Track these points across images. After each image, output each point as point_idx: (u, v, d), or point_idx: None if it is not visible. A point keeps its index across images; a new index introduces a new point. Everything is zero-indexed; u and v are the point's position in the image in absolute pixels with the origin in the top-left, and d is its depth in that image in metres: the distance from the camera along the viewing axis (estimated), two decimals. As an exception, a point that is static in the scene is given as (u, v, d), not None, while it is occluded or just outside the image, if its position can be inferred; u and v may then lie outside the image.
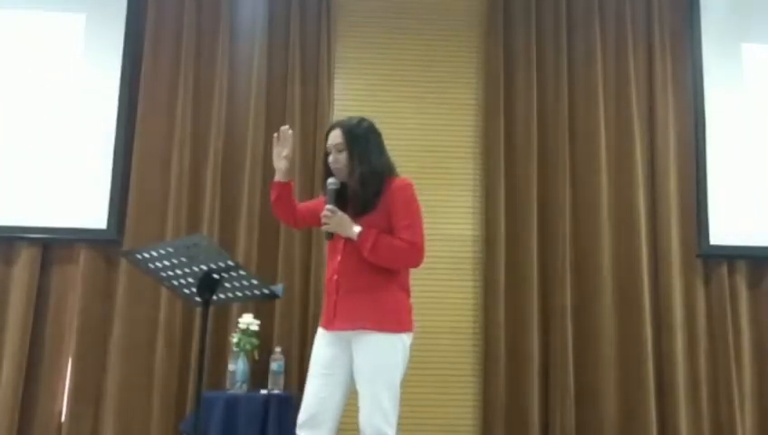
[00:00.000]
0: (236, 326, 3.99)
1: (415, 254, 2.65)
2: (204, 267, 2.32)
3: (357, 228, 2.62)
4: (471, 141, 4.59)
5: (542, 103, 4.57)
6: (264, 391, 3.89)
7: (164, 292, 4.21)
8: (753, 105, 4.67)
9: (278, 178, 2.83)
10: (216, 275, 2.33)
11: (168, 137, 4.43)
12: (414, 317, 2.73)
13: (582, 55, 4.65)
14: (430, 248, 4.34)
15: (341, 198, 2.70)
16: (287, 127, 2.85)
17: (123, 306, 4.23)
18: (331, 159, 2.74)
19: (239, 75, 4.53)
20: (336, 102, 4.54)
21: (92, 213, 4.32)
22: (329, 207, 2.66)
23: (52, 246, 4.33)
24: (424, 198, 4.39)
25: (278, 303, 4.18)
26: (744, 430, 4.31)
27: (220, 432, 3.67)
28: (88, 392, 4.18)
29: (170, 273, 2.39)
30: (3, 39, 4.47)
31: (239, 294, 2.45)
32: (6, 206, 4.30)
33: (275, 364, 3.96)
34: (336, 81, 4.58)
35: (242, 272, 2.33)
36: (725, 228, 4.51)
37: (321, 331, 2.73)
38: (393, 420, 2.57)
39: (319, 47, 4.53)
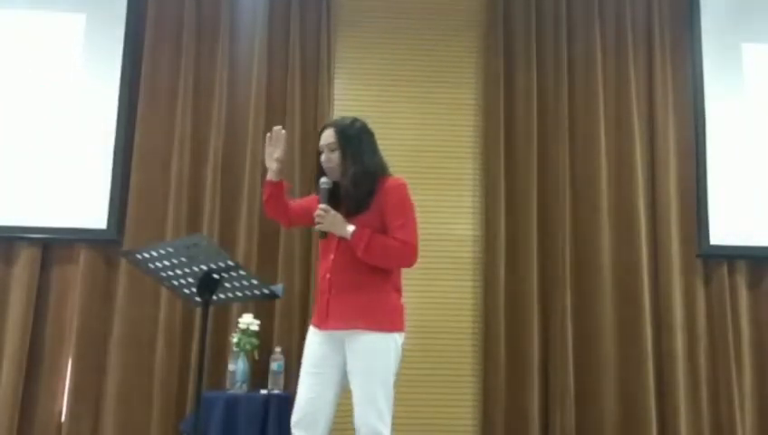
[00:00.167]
0: (236, 326, 3.99)
1: (409, 253, 2.65)
2: (204, 267, 2.32)
3: (351, 228, 2.62)
4: (471, 141, 4.59)
5: (542, 103, 4.57)
6: (264, 391, 3.89)
7: (164, 292, 4.21)
8: (753, 105, 4.67)
9: (270, 177, 2.83)
10: (216, 275, 2.33)
11: (168, 137, 4.43)
12: (408, 317, 2.73)
13: (582, 55, 4.65)
14: (430, 248, 4.40)
15: (334, 198, 2.70)
16: (280, 127, 2.84)
17: (123, 306, 4.23)
18: (323, 158, 2.74)
19: (239, 75, 4.54)
20: (336, 102, 4.54)
21: (92, 213, 4.33)
22: (322, 206, 2.66)
23: (52, 246, 4.33)
24: (424, 198, 4.45)
25: (278, 303, 4.18)
26: (743, 430, 4.31)
27: (220, 432, 3.67)
28: (88, 392, 4.18)
29: (170, 273, 2.39)
30: (3, 39, 4.48)
31: (239, 294, 2.45)
32: (6, 206, 4.30)
33: (275, 364, 3.96)
34: (336, 81, 4.58)
35: (242, 272, 2.34)
36: (725, 228, 4.51)
37: (312, 329, 2.74)
38: (388, 418, 2.57)
39: (319, 47, 4.53)
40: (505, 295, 4.31)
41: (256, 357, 4.02)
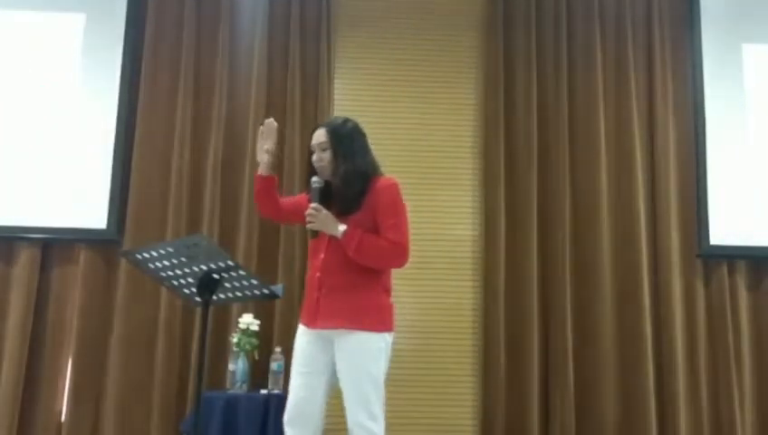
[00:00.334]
0: (236, 326, 3.99)
1: (400, 254, 2.66)
2: (204, 267, 2.32)
3: (342, 227, 2.63)
4: (471, 141, 4.59)
5: (542, 103, 4.57)
6: (264, 391, 3.88)
7: (164, 292, 4.21)
8: (753, 105, 4.67)
9: (261, 171, 2.83)
10: (215, 275, 2.33)
11: (167, 137, 4.43)
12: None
13: (582, 55, 4.65)
14: (430, 248, 4.41)
15: (325, 197, 2.70)
16: (272, 120, 2.85)
17: (123, 306, 4.23)
18: (315, 157, 2.74)
19: (239, 75, 4.54)
20: (336, 102, 4.54)
21: (92, 213, 4.32)
22: (313, 205, 2.67)
23: (52, 246, 4.33)
24: (423, 198, 4.46)
25: (278, 303, 4.18)
26: (743, 430, 4.31)
27: (220, 432, 3.67)
28: (88, 392, 4.18)
29: (170, 273, 2.39)
30: (2, 39, 4.47)
31: (239, 294, 2.45)
32: (6, 206, 4.30)
33: (275, 364, 3.96)
34: (336, 80, 4.58)
35: (242, 272, 2.34)
36: (725, 228, 4.50)
37: (302, 328, 2.74)
38: (381, 418, 2.58)
39: (319, 47, 4.53)
40: (505, 295, 4.31)
41: (256, 357, 4.02)
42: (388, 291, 2.73)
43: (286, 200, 2.95)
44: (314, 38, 4.56)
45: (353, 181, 2.68)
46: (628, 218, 4.46)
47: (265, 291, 2.42)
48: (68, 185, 4.34)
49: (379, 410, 2.57)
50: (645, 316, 4.32)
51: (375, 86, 4.61)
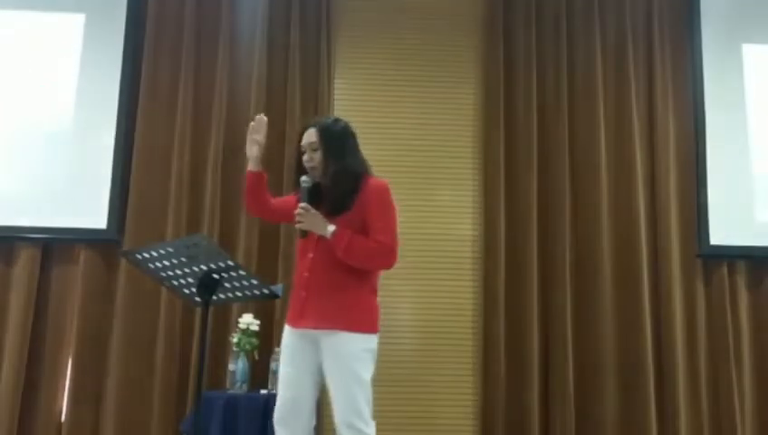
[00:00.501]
0: (236, 326, 3.99)
1: (388, 255, 2.65)
2: (204, 267, 2.32)
3: (331, 227, 2.62)
4: (471, 141, 4.59)
5: (542, 103, 4.57)
6: (263, 391, 3.88)
7: (164, 292, 4.21)
8: (753, 105, 4.67)
9: (250, 166, 2.82)
10: (215, 275, 2.33)
11: (168, 137, 4.43)
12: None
13: (582, 55, 4.65)
14: (430, 248, 4.41)
15: (315, 197, 2.70)
16: (262, 115, 2.85)
17: (123, 306, 4.23)
18: (305, 158, 2.73)
19: (239, 75, 4.54)
20: (336, 102, 4.54)
21: (92, 213, 4.32)
22: (302, 205, 2.66)
23: (53, 246, 4.33)
24: (424, 198, 4.46)
25: (278, 303, 4.18)
26: (743, 430, 4.31)
27: (220, 432, 3.67)
28: (88, 392, 4.18)
29: (170, 273, 2.39)
30: (3, 39, 4.47)
31: (239, 294, 2.45)
32: (6, 206, 4.30)
33: (275, 364, 3.95)
34: (336, 81, 4.58)
35: (242, 272, 2.34)
36: (725, 228, 4.50)
37: (287, 328, 2.73)
38: (368, 416, 2.57)
39: (319, 47, 4.53)
40: (505, 295, 4.31)
41: (256, 357, 4.02)
42: (375, 292, 2.73)
43: (276, 200, 2.94)
44: (314, 38, 4.56)
45: (344, 181, 2.67)
46: (628, 218, 4.46)
47: (265, 291, 2.42)
48: (68, 185, 4.34)
49: (367, 410, 2.57)
50: (645, 316, 4.32)
51: (375, 86, 4.61)
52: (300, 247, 2.77)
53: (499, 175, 4.43)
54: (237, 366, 3.92)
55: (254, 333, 3.95)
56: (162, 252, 2.32)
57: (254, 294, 2.45)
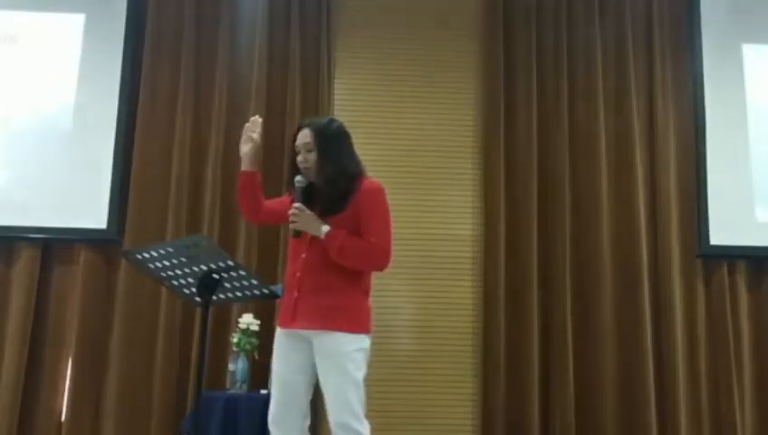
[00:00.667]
0: (236, 326, 3.99)
1: (381, 257, 2.64)
2: (204, 267, 2.32)
3: (325, 228, 2.61)
4: (471, 141, 4.59)
5: (542, 103, 4.57)
6: (264, 391, 3.88)
7: (164, 292, 4.21)
8: (753, 105, 4.67)
9: (244, 166, 2.80)
10: (215, 275, 2.33)
11: (168, 137, 4.43)
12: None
13: (582, 56, 4.65)
14: (430, 248, 4.41)
15: (309, 197, 2.69)
16: (257, 116, 2.84)
17: (123, 306, 4.24)
18: (300, 158, 2.71)
19: (239, 75, 4.54)
20: (336, 103, 4.54)
21: (92, 213, 4.32)
22: (296, 205, 2.64)
23: (53, 246, 4.33)
24: (423, 198, 4.46)
25: (278, 303, 4.17)
26: (743, 430, 4.31)
27: (220, 432, 3.67)
28: (88, 392, 4.18)
29: (170, 273, 2.39)
30: (3, 39, 4.47)
31: (239, 294, 2.45)
32: (6, 206, 4.30)
33: (275, 364, 3.96)
34: (336, 81, 4.58)
35: (242, 272, 2.34)
36: (725, 228, 4.50)
37: (279, 329, 2.71)
38: (362, 416, 2.56)
39: (319, 47, 4.53)
40: (505, 295, 4.31)
41: (256, 357, 4.01)
42: (367, 293, 2.71)
43: (269, 202, 2.93)
44: (314, 38, 4.56)
45: (338, 182, 2.66)
46: (628, 218, 4.46)
47: (265, 291, 2.42)
48: (68, 185, 4.34)
49: (361, 410, 2.56)
50: (645, 316, 4.32)
51: (375, 86, 4.61)
52: (292, 248, 2.76)
53: (499, 175, 4.43)
54: (237, 366, 3.92)
55: (254, 333, 3.95)
56: (162, 252, 2.32)
57: (254, 294, 2.45)
